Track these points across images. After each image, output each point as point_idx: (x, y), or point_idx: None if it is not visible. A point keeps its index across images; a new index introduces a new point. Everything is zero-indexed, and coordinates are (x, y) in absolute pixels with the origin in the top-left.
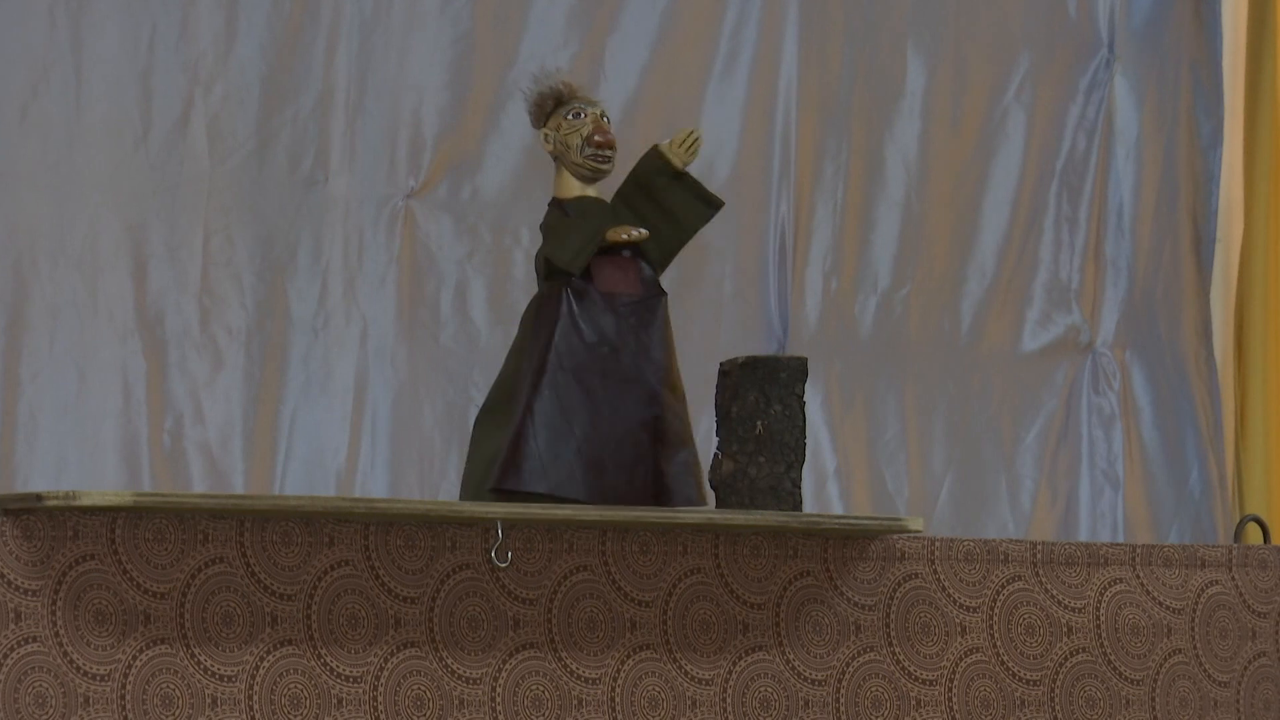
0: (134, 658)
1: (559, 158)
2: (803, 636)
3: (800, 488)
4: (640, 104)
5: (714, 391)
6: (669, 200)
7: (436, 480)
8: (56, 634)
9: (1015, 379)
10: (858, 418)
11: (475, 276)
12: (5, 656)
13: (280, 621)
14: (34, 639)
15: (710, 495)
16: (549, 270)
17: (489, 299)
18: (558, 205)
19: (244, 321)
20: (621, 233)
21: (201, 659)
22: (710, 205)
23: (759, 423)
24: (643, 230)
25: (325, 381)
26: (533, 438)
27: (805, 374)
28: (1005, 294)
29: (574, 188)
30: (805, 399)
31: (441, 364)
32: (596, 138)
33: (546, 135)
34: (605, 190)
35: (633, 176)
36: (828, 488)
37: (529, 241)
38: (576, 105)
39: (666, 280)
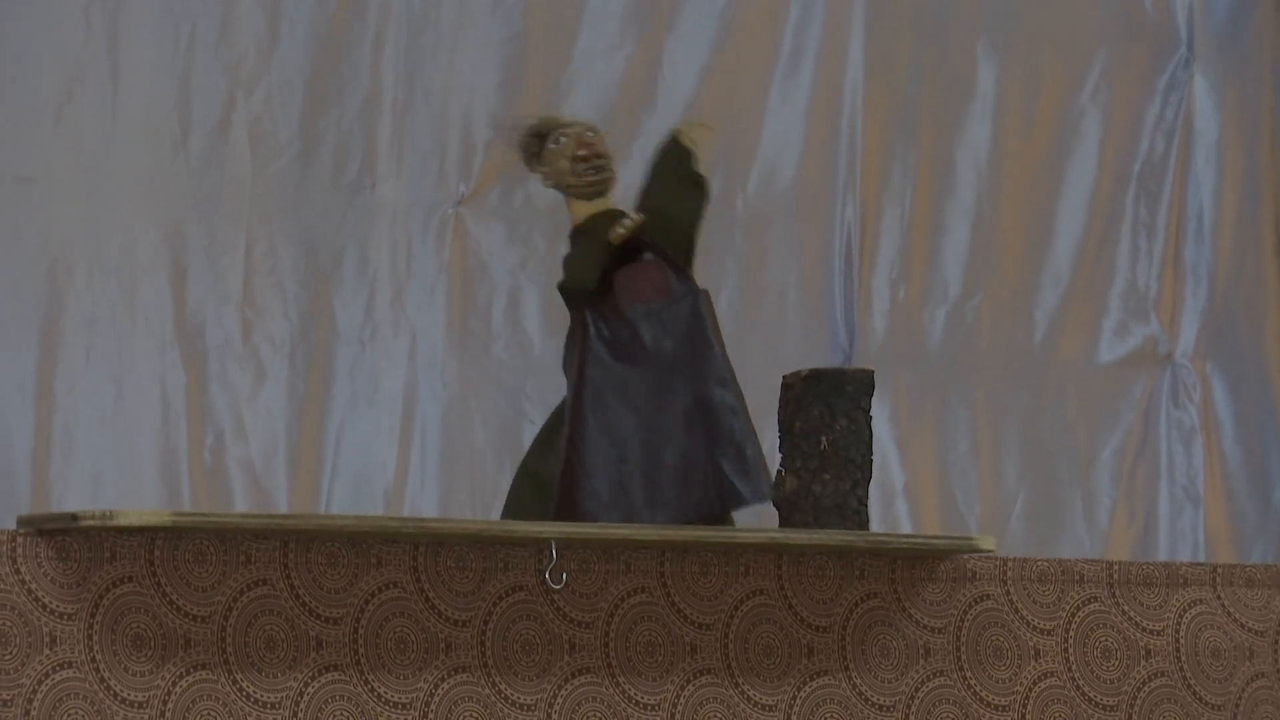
0: (174, 684)
1: (561, 188)
2: (870, 660)
3: (867, 505)
4: (699, 107)
5: (776, 405)
6: (669, 188)
7: (489, 498)
8: (93, 659)
9: (1091, 392)
10: (927, 432)
11: (528, 286)
12: (40, 683)
13: (326, 646)
14: (70, 664)
15: (764, 501)
16: (567, 299)
17: (542, 309)
18: (572, 233)
19: (288, 333)
20: (618, 228)
21: (244, 685)
22: (698, 187)
23: (824, 438)
24: (635, 216)
25: (372, 395)
26: (585, 475)
27: (872, 387)
28: (1080, 303)
29: (583, 209)
30: (872, 413)
31: (493, 377)
32: (580, 153)
33: (544, 175)
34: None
35: (647, 173)
36: (895, 505)
37: None
38: (556, 134)
39: (727, 291)
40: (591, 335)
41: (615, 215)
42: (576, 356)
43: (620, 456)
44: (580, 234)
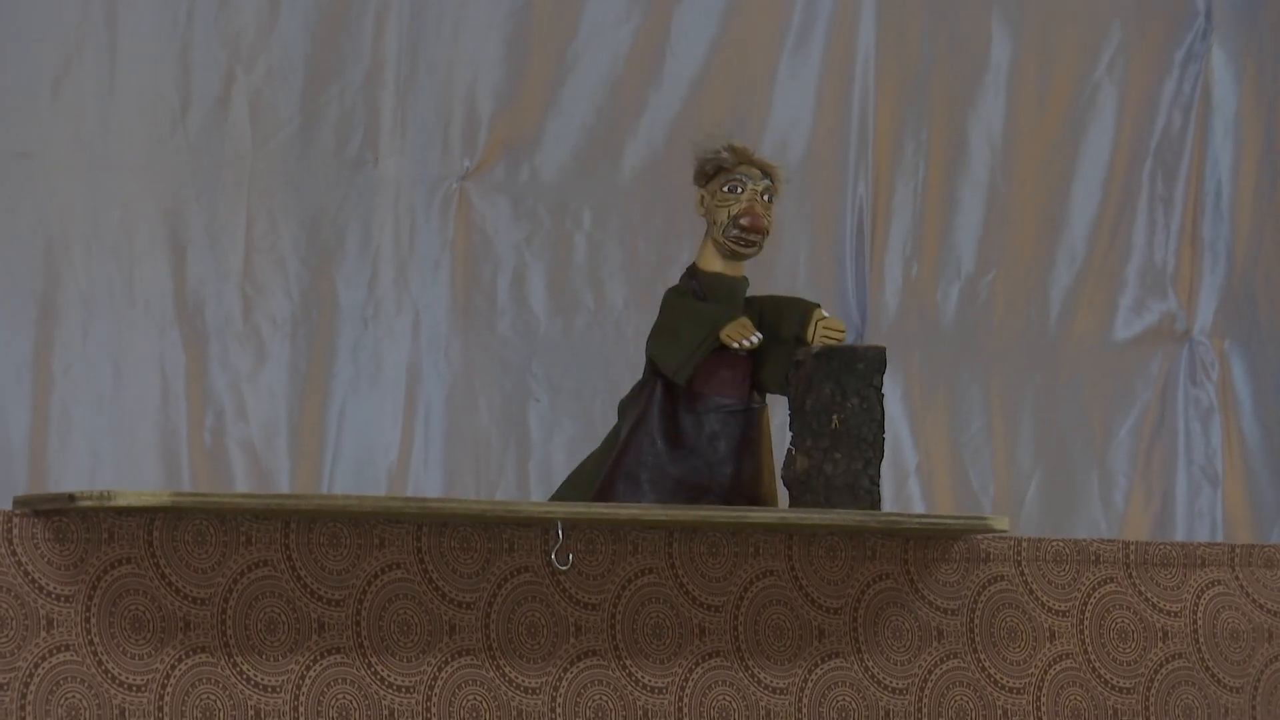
0: (173, 667)
1: (708, 225)
2: (882, 642)
3: (879, 485)
4: (708, 80)
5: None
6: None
7: (493, 478)
8: (91, 642)
9: (1107, 370)
10: (940, 411)
11: (534, 262)
12: (37, 666)
13: (328, 628)
14: (67, 647)
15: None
16: (652, 366)
17: (548, 286)
18: (691, 277)
19: (289, 311)
20: (737, 337)
21: (244, 668)
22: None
23: (835, 416)
24: (757, 336)
25: (375, 374)
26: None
27: (884, 365)
28: (1096, 280)
29: (714, 261)
30: (884, 391)
31: (498, 355)
32: (743, 220)
33: (702, 198)
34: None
35: (775, 304)
36: (908, 485)
37: (590, 224)
38: (737, 178)
39: None
40: (651, 411)
41: (731, 287)
42: (630, 418)
43: None
44: (694, 281)
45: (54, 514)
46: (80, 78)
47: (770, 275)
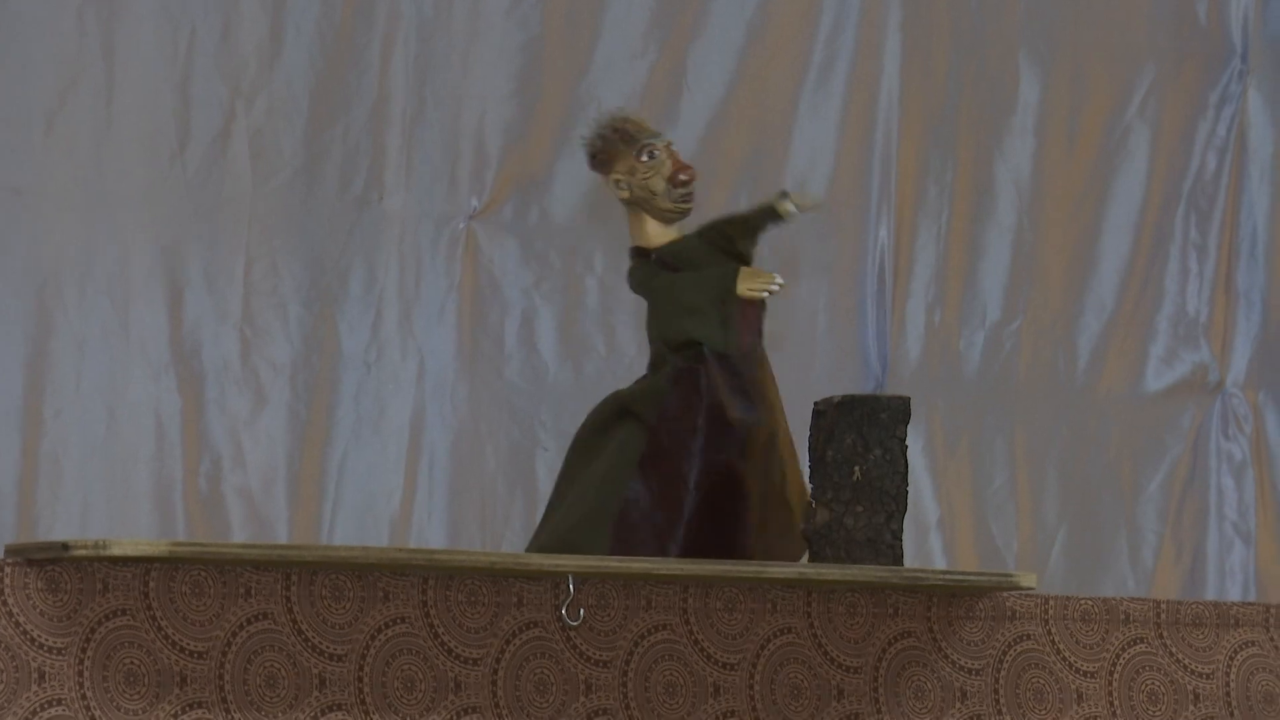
0: None
1: (639, 203)
2: (904, 703)
3: (901, 540)
4: (726, 118)
5: (807, 434)
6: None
7: (500, 529)
8: (84, 696)
9: (1137, 422)
10: (963, 463)
11: (543, 306)
12: None
13: (329, 684)
14: (59, 702)
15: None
16: (686, 342)
17: (558, 331)
18: (651, 257)
19: (289, 355)
20: (759, 287)
21: None
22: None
23: (857, 468)
24: (778, 278)
25: (378, 421)
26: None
27: (908, 415)
28: (1126, 329)
29: (660, 233)
30: (907, 443)
31: (506, 402)
32: (681, 176)
33: (619, 182)
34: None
35: (746, 222)
36: (930, 540)
37: (602, 268)
38: (646, 143)
39: None
40: (704, 394)
41: (699, 248)
42: (688, 402)
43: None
44: (661, 260)
45: (47, 563)
46: (76, 112)
47: (788, 320)
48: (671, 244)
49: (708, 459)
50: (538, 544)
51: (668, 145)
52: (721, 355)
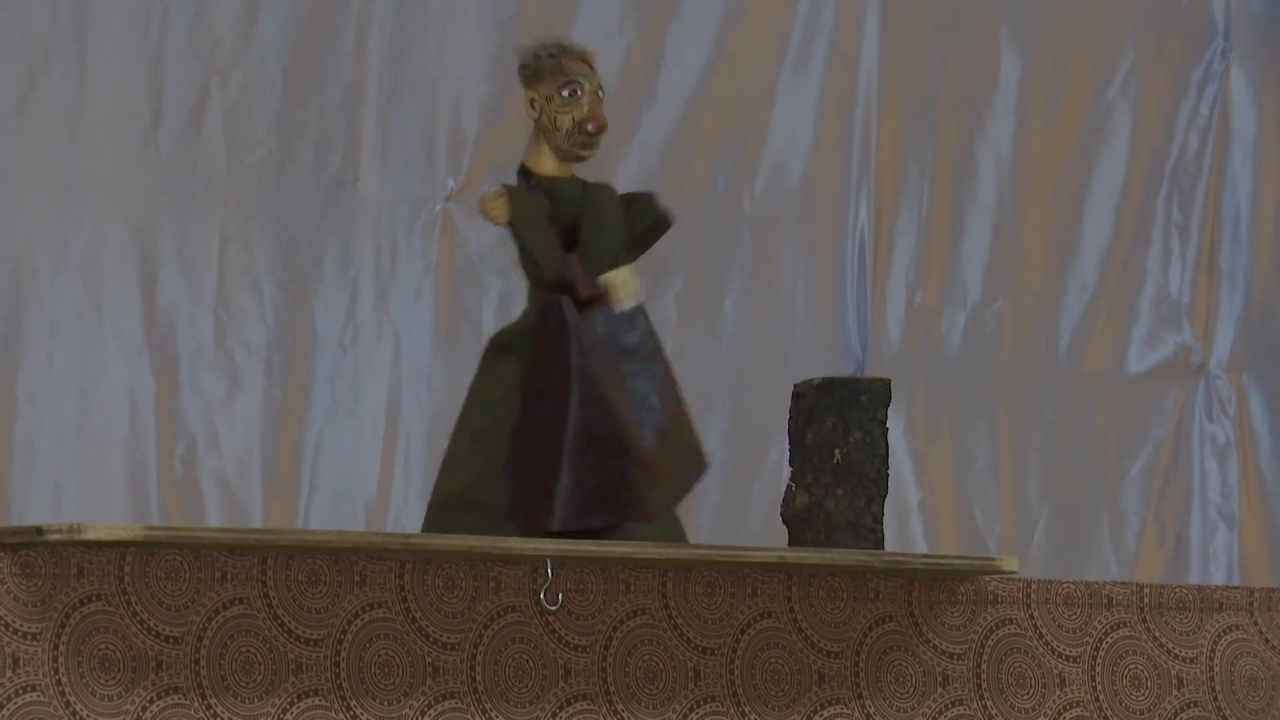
0: (144, 709)
1: (543, 131)
2: (884, 688)
3: (882, 523)
4: (704, 97)
5: (786, 416)
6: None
7: None
8: (58, 682)
9: (1119, 404)
10: (944, 446)
11: (521, 288)
12: (1, 707)
13: (306, 669)
14: (33, 687)
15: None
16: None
17: None
18: (526, 177)
19: (264, 337)
20: (589, 287)
21: (218, 710)
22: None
23: (837, 451)
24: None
25: (354, 404)
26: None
27: (889, 397)
28: (1108, 310)
29: (549, 165)
30: (888, 425)
31: None
32: (589, 126)
33: (533, 101)
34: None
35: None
36: (911, 524)
37: None
38: (574, 80)
39: (733, 294)
40: (572, 321)
41: (577, 191)
42: (554, 335)
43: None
44: (529, 183)
45: (20, 548)
46: (47, 92)
47: (769, 301)
48: (553, 180)
49: (585, 391)
50: (437, 501)
51: (594, 90)
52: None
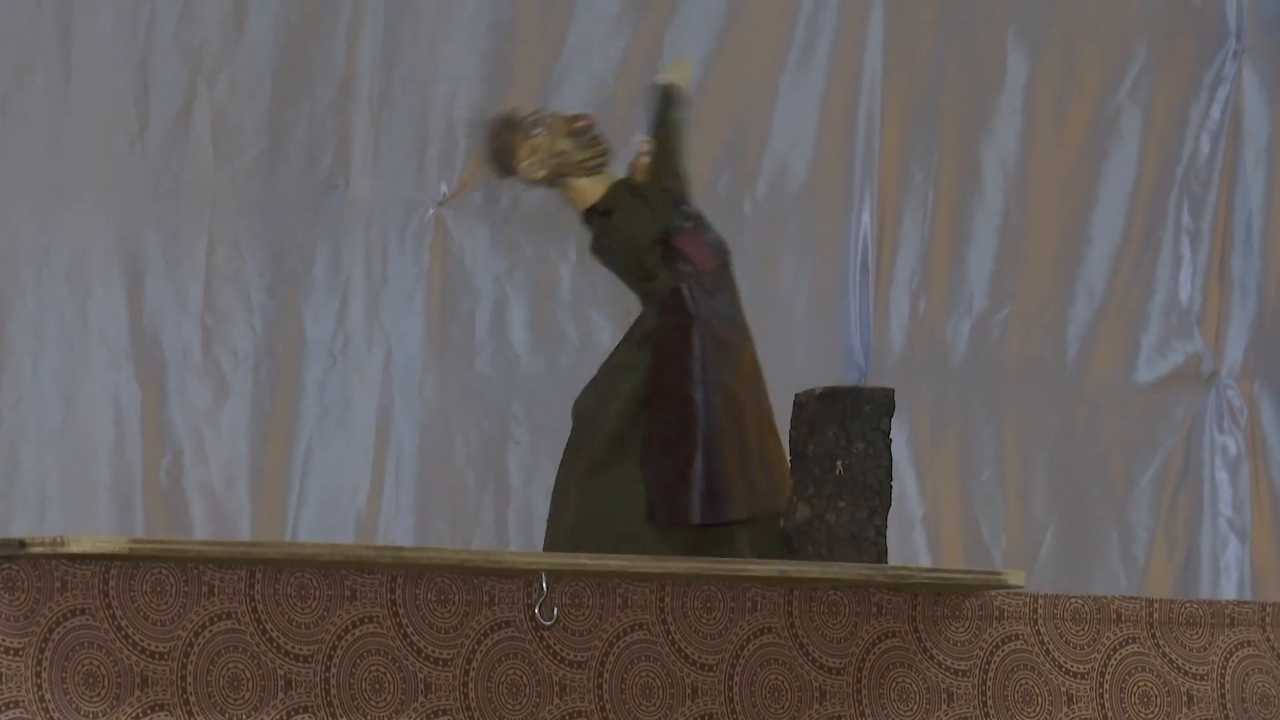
0: None
1: (558, 173)
2: (888, 705)
3: (885, 536)
4: (703, 98)
5: (788, 426)
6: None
7: (470, 525)
8: (42, 699)
9: (1128, 414)
10: (949, 456)
11: (515, 295)
12: None
13: (295, 685)
14: (16, 704)
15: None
16: (644, 271)
17: (530, 320)
18: (597, 212)
19: (252, 344)
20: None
21: None
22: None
23: (839, 462)
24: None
25: (344, 413)
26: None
27: (892, 408)
28: (1117, 318)
29: (592, 188)
30: (891, 436)
31: (476, 393)
32: (577, 125)
33: (529, 165)
34: None
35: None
36: (915, 536)
37: (575, 255)
38: (532, 118)
39: None
40: (693, 308)
41: (631, 183)
42: (680, 324)
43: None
44: (606, 209)
45: (3, 561)
46: (32, 93)
47: (770, 307)
48: (610, 189)
49: (709, 378)
50: (564, 530)
51: (554, 112)
52: (696, 275)
